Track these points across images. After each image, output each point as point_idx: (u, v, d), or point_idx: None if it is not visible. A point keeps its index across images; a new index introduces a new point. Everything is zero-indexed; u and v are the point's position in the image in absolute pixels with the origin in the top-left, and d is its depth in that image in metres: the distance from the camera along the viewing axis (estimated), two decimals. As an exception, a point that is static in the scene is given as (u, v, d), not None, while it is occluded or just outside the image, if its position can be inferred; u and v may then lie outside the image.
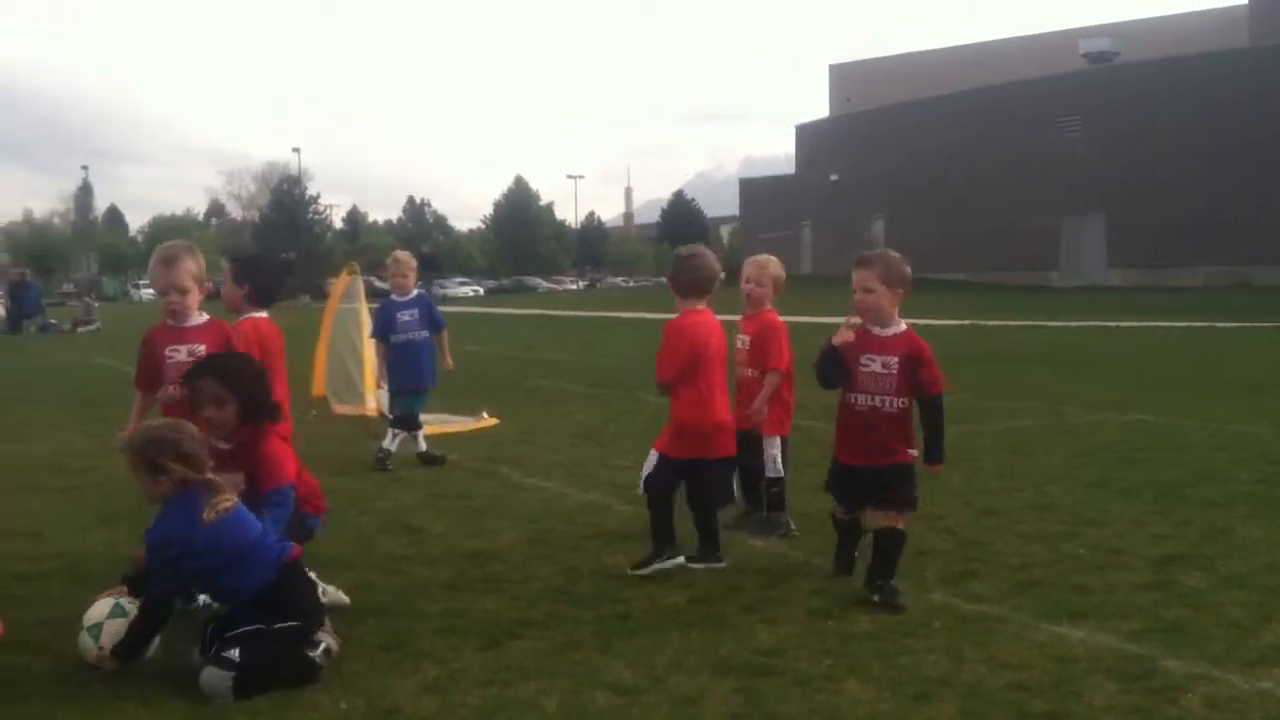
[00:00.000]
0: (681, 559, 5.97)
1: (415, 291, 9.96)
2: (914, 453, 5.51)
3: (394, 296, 9.89)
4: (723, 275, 6.38)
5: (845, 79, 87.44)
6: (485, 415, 12.32)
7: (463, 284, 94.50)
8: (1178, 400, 13.37)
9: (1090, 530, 6.80)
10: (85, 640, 4.53)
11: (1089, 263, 58.24)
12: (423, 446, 9.68)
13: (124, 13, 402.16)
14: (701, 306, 6.21)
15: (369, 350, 11.69)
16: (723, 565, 6.03)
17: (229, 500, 4.54)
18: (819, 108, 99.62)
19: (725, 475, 6.27)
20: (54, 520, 7.41)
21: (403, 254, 10.24)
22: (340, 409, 12.83)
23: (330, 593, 5.32)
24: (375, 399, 11.96)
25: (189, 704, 4.15)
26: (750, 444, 6.84)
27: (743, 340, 7.04)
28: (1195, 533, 6.70)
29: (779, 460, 6.96)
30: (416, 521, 7.31)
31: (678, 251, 6.50)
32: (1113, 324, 30.38)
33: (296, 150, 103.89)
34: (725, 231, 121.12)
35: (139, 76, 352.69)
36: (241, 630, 4.39)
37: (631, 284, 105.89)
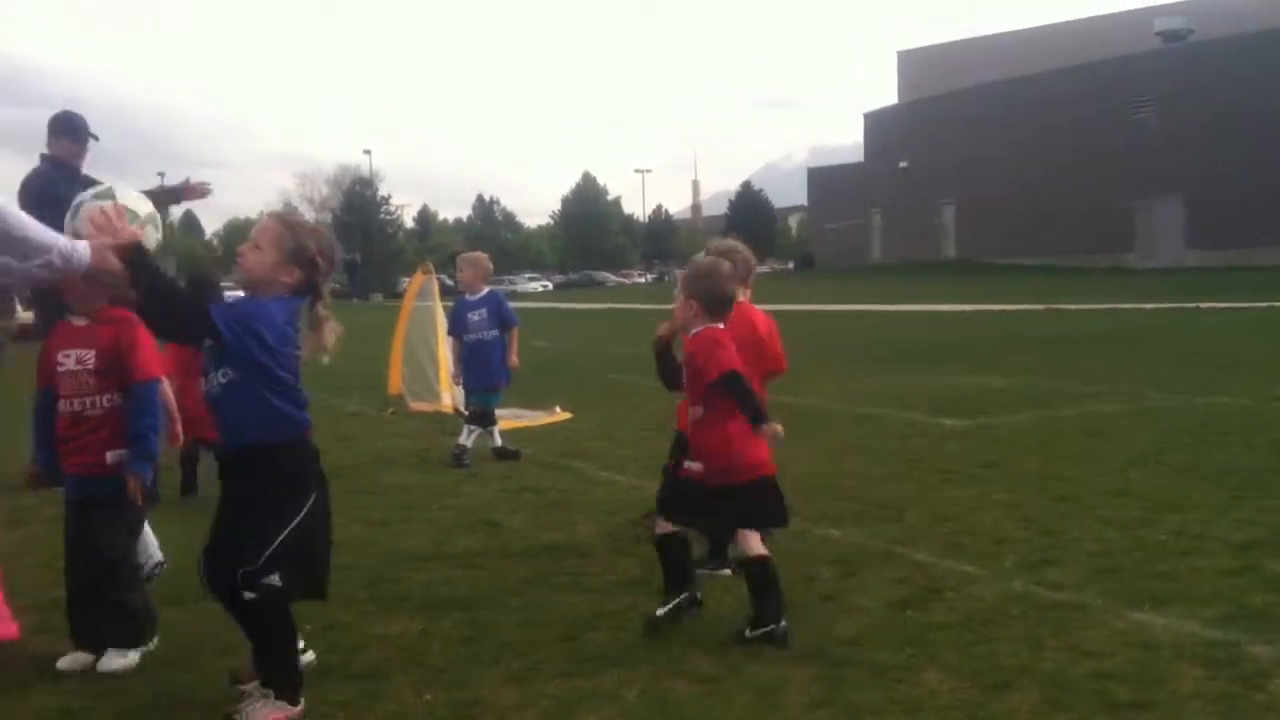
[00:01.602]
0: (728, 571, 5.73)
1: (485, 289, 10.02)
2: (694, 466, 4.98)
3: (465, 296, 9.98)
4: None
5: (914, 65, 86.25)
6: (558, 410, 12.41)
7: (532, 279, 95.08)
8: (1261, 381, 13.11)
9: (1172, 516, 6.71)
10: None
11: (1167, 244, 57.14)
12: (498, 441, 9.78)
13: (194, 20, 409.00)
14: (740, 298, 6.10)
15: (444, 348, 11.81)
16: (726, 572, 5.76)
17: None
18: (887, 95, 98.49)
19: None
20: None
21: (470, 253, 10.34)
22: (416, 406, 13.00)
23: None
24: (451, 396, 12.10)
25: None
26: None
27: None
28: (1279, 517, 6.59)
29: None
30: (494, 516, 7.39)
31: (710, 244, 6.44)
32: (1192, 305, 29.85)
33: (368, 152, 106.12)
34: (794, 221, 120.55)
35: (210, 82, 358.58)
36: (266, 552, 3.91)
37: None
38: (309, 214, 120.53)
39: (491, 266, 10.39)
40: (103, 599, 4.62)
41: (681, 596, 5.04)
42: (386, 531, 6.99)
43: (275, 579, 3.92)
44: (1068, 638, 4.65)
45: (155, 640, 4.74)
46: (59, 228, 3.93)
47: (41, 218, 3.92)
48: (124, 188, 3.93)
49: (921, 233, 70.65)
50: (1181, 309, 28.90)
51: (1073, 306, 31.51)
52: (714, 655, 4.56)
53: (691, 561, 5.22)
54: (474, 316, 9.77)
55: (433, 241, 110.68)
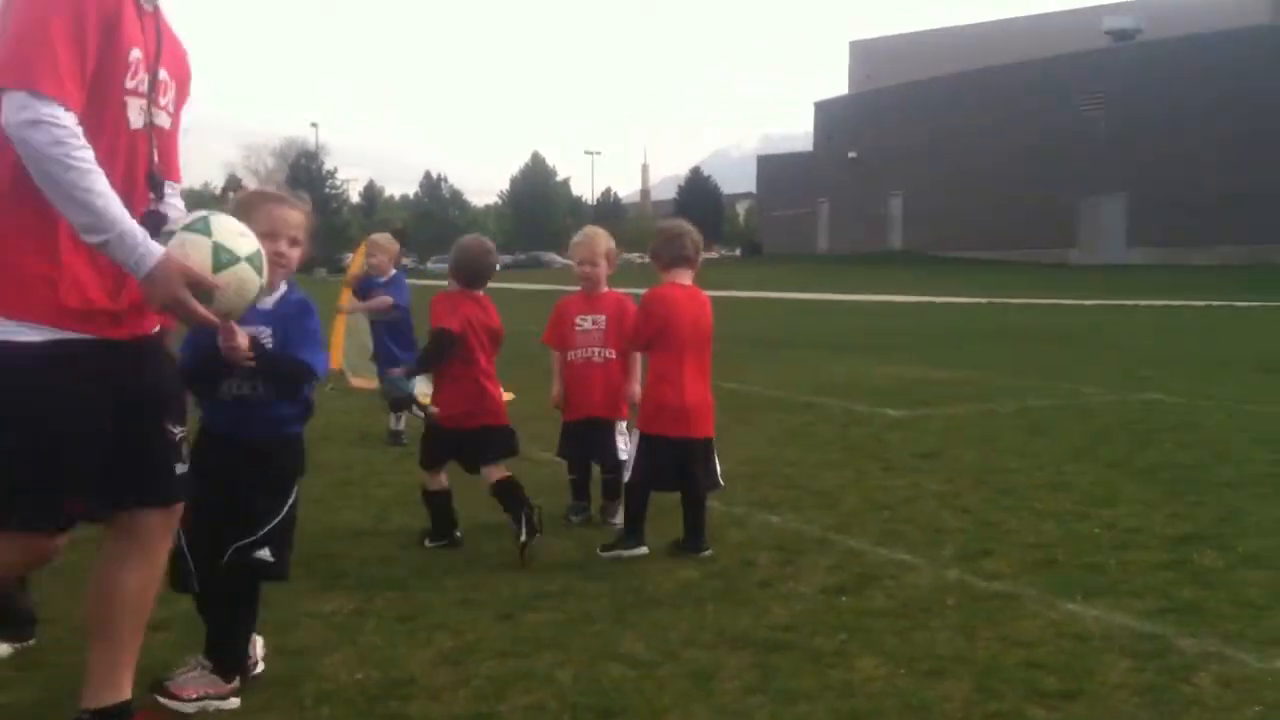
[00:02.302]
0: (644, 549, 5.86)
1: (393, 272, 9.94)
2: (433, 409, 6.28)
3: (376, 280, 9.91)
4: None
5: (865, 56, 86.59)
6: (501, 390, 12.33)
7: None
8: (1195, 380, 13.32)
9: (1106, 510, 6.79)
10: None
11: (1109, 241, 57.87)
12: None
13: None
14: (682, 280, 6.13)
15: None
16: (707, 553, 5.85)
17: None
18: (838, 85, 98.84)
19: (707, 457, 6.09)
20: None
21: (379, 235, 10.32)
22: (357, 382, 12.86)
23: None
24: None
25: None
26: (603, 433, 6.76)
27: (596, 321, 6.75)
28: (1211, 513, 6.69)
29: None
30: (433, 495, 7.31)
31: (659, 224, 6.53)
32: (1131, 303, 30.27)
33: (314, 125, 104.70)
34: (742, 209, 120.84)
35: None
36: (269, 526, 3.94)
37: (647, 260, 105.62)
38: (253, 186, 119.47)
39: (398, 247, 10.32)
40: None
41: (455, 536, 6.05)
42: (323, 508, 6.90)
43: (267, 553, 3.95)
44: (1001, 627, 4.69)
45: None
46: None
47: None
48: (221, 219, 3.16)
49: (868, 224, 71.03)
50: (1121, 306, 29.30)
51: (1015, 301, 31.85)
52: (649, 640, 4.55)
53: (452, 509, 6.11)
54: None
55: (378, 217, 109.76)
